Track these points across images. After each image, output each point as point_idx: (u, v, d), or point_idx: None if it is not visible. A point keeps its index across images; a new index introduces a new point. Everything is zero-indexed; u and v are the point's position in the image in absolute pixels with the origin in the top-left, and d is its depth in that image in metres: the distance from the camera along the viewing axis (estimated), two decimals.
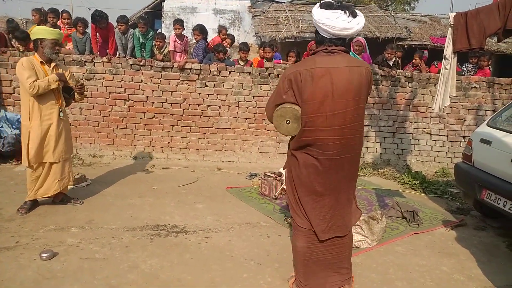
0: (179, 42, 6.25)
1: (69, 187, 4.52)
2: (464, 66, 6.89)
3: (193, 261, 3.08)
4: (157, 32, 6.81)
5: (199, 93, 5.92)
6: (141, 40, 6.11)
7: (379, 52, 6.85)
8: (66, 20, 6.19)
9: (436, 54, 8.39)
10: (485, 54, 6.62)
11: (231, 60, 6.42)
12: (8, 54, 5.61)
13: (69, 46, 6.07)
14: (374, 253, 3.39)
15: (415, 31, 13.06)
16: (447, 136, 6.44)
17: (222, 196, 4.64)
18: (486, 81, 6.32)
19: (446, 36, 4.54)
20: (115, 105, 5.84)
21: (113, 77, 5.75)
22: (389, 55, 6.33)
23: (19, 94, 5.62)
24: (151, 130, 5.96)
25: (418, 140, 6.42)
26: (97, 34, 6.16)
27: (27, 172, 3.81)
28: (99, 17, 5.83)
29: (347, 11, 2.17)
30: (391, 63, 6.36)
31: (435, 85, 5.91)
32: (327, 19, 2.16)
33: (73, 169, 5.13)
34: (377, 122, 6.30)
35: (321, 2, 2.25)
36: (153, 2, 15.76)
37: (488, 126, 4.19)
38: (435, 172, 6.31)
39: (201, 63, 5.91)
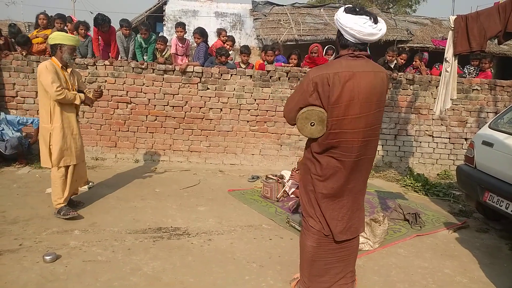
0: (181, 45, 6.28)
1: None
2: (465, 69, 6.90)
3: (195, 264, 3.08)
4: (159, 35, 6.84)
5: (201, 96, 5.94)
6: (144, 45, 6.15)
7: (380, 55, 6.86)
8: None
9: (437, 57, 8.39)
10: (486, 56, 6.62)
11: (233, 63, 6.44)
12: (10, 58, 5.64)
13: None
14: (376, 256, 3.39)
15: (416, 34, 13.09)
16: (449, 138, 6.44)
17: (224, 198, 4.65)
18: (487, 83, 6.32)
19: (447, 39, 4.55)
20: (117, 108, 5.87)
21: (115, 80, 5.78)
22: (391, 57, 6.34)
23: (22, 97, 5.71)
24: (153, 133, 5.98)
25: (420, 142, 6.42)
26: (99, 37, 6.20)
27: (55, 175, 3.81)
28: (102, 21, 5.87)
29: (371, 17, 2.21)
30: (392, 66, 6.37)
31: (436, 87, 5.91)
32: (355, 24, 2.18)
33: None
34: None
35: (345, 6, 2.27)
36: (155, 6, 15.84)
37: (490, 128, 4.19)
38: (437, 175, 6.30)
39: (203, 66, 5.93)
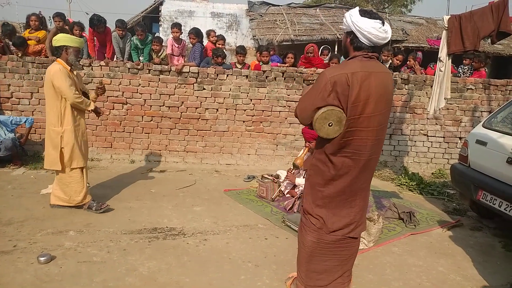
0: (177, 45, 6.28)
1: None
2: (459, 68, 6.94)
3: (191, 264, 3.09)
4: (155, 36, 6.84)
5: (197, 96, 5.95)
6: (140, 46, 6.14)
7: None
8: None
9: (432, 56, 8.43)
10: (478, 56, 6.66)
11: (229, 63, 6.44)
12: (5, 59, 5.62)
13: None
14: (371, 254, 3.40)
15: (411, 33, 13.14)
16: (443, 137, 6.47)
17: (220, 198, 4.66)
18: (482, 83, 6.36)
19: (441, 38, 4.58)
20: (113, 109, 5.86)
21: (111, 81, 5.77)
22: (385, 57, 6.37)
23: (18, 98, 5.69)
24: (149, 133, 5.98)
25: (415, 141, 6.46)
26: (94, 38, 6.18)
27: (63, 178, 3.87)
28: (97, 22, 5.86)
29: (382, 21, 2.27)
30: (387, 65, 6.39)
31: (431, 87, 5.94)
32: (373, 28, 2.23)
33: None
34: None
35: (359, 9, 2.30)
36: (151, 6, 15.81)
37: (483, 127, 4.22)
38: (432, 173, 6.34)
39: (199, 67, 5.93)
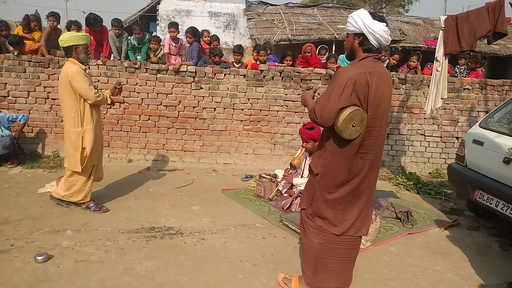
0: (174, 45, 6.27)
1: None
2: (456, 68, 6.97)
3: (188, 263, 3.09)
4: (152, 35, 6.82)
5: (194, 96, 5.94)
6: (137, 46, 6.13)
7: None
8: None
9: (430, 56, 8.47)
10: (474, 56, 6.69)
11: (227, 62, 6.44)
12: (2, 57, 5.60)
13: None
14: (368, 254, 3.41)
15: (409, 34, 13.19)
16: (440, 137, 6.50)
17: (217, 198, 4.66)
18: (478, 83, 6.39)
19: (438, 39, 4.60)
20: (110, 108, 5.84)
21: (108, 80, 5.75)
22: (383, 57, 6.37)
23: (14, 97, 5.66)
24: (146, 132, 5.97)
25: (412, 141, 6.48)
26: (91, 37, 6.16)
27: (79, 177, 3.89)
28: (94, 21, 5.84)
29: (387, 24, 2.33)
30: (384, 65, 6.40)
31: (428, 86, 5.96)
32: (384, 32, 2.28)
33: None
34: None
35: (369, 11, 2.34)
36: (148, 5, 15.79)
37: (480, 127, 4.24)
38: (429, 173, 6.36)
39: (196, 66, 5.93)
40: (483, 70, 7.03)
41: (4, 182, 4.72)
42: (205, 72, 5.89)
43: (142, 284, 2.78)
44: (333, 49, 12.06)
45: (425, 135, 6.47)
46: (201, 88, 5.93)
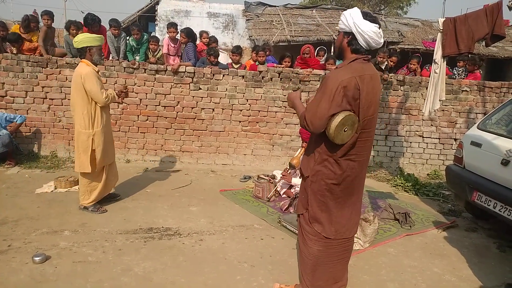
0: (173, 45, 6.26)
1: (62, 190, 4.54)
2: (454, 70, 6.98)
3: (186, 264, 3.08)
4: (151, 35, 6.81)
5: (193, 96, 5.93)
6: (135, 47, 6.12)
7: (371, 56, 6.91)
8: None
9: (428, 58, 8.49)
10: (472, 58, 6.71)
11: (225, 63, 6.44)
12: (0, 57, 5.58)
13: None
14: (366, 255, 3.41)
15: (407, 35, 13.21)
16: (438, 138, 6.51)
17: (215, 198, 4.65)
18: (476, 85, 6.41)
19: (436, 41, 4.61)
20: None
21: (106, 80, 5.74)
22: (381, 58, 6.39)
23: (12, 97, 5.65)
24: (144, 133, 5.96)
25: (411, 142, 6.49)
26: None
27: (85, 178, 3.91)
28: (92, 21, 5.82)
29: (380, 25, 2.25)
30: (383, 67, 6.42)
31: (426, 88, 5.97)
32: (374, 33, 2.21)
33: (66, 173, 5.15)
34: None
35: (361, 11, 2.26)
36: (147, 5, 15.77)
37: (478, 129, 4.24)
38: (427, 175, 6.37)
39: (194, 66, 5.92)
40: (481, 72, 7.04)
41: (1, 182, 4.70)
42: (204, 73, 5.88)
43: (139, 285, 2.77)
44: (332, 50, 12.07)
45: (423, 137, 6.48)
46: (200, 88, 5.93)
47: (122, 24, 6.87)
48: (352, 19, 2.22)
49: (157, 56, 6.22)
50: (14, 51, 5.60)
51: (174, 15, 15.07)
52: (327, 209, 2.38)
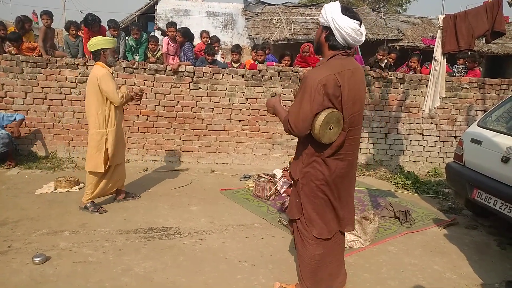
0: (172, 45, 6.26)
1: (62, 191, 4.54)
2: (454, 67, 6.97)
3: (187, 264, 3.08)
4: (150, 35, 6.81)
5: (193, 96, 5.93)
6: (135, 46, 6.11)
7: (371, 54, 6.90)
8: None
9: (427, 56, 8.48)
10: (472, 56, 6.69)
11: (224, 62, 6.44)
12: None
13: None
14: (367, 253, 3.41)
15: (407, 33, 13.19)
16: (438, 136, 6.50)
17: (216, 198, 4.65)
18: (476, 82, 6.39)
19: (436, 38, 4.60)
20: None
21: None
22: (381, 56, 6.38)
23: (12, 98, 5.65)
24: (144, 132, 5.96)
25: (410, 140, 6.48)
26: (89, 37, 6.14)
27: (94, 176, 3.96)
28: (92, 21, 5.82)
29: (360, 21, 2.17)
30: (383, 65, 6.41)
31: (426, 86, 5.96)
32: (352, 30, 2.13)
33: (66, 173, 5.15)
34: (369, 123, 6.35)
35: (342, 6, 2.18)
36: (146, 5, 15.75)
37: (478, 126, 4.24)
38: (427, 172, 6.36)
39: (194, 66, 5.92)
40: (481, 69, 7.03)
41: (1, 183, 4.70)
42: (203, 72, 5.88)
43: (140, 285, 2.77)
44: None
45: (423, 134, 6.47)
46: (199, 88, 5.92)
47: (121, 24, 6.86)
48: (331, 13, 2.14)
49: (156, 56, 6.22)
50: (13, 51, 5.59)
51: (173, 15, 15.07)
52: (320, 210, 2.35)
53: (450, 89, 6.24)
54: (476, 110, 6.46)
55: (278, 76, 6.03)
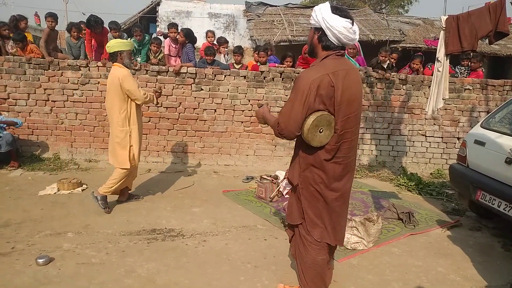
0: (174, 46, 6.26)
1: (65, 192, 4.54)
2: (457, 68, 6.95)
3: (190, 265, 3.08)
4: (152, 36, 6.82)
5: (195, 97, 5.93)
6: (137, 48, 6.12)
7: (373, 55, 6.90)
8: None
9: (430, 57, 8.46)
10: (475, 56, 6.68)
11: (227, 63, 6.44)
12: (2, 59, 5.59)
13: None
14: (370, 255, 3.40)
15: (409, 34, 13.18)
16: (441, 137, 6.48)
17: (218, 199, 4.64)
18: (479, 83, 6.38)
19: (439, 39, 4.59)
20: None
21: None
22: (383, 57, 6.38)
23: (14, 99, 5.66)
24: (146, 134, 5.95)
25: (413, 142, 6.46)
26: (92, 39, 6.16)
27: (121, 173, 4.06)
28: (94, 22, 5.84)
29: (352, 20, 2.15)
30: (385, 66, 6.40)
31: (429, 87, 5.95)
32: (344, 28, 2.10)
33: (68, 175, 5.15)
34: (372, 124, 6.34)
35: (332, 6, 2.16)
36: (148, 6, 15.79)
37: (481, 127, 4.22)
38: (431, 174, 6.34)
39: (196, 67, 5.92)
40: (483, 70, 7.01)
41: (4, 185, 4.71)
42: (206, 74, 5.88)
43: (143, 286, 2.76)
44: None
45: (426, 136, 6.46)
46: (202, 89, 5.92)
47: (123, 26, 6.88)
48: (321, 14, 2.12)
49: (158, 57, 6.23)
50: (17, 53, 5.60)
51: (175, 16, 15.10)
52: (321, 214, 2.32)
53: (453, 90, 6.22)
54: (479, 111, 6.44)
55: (280, 77, 6.03)
